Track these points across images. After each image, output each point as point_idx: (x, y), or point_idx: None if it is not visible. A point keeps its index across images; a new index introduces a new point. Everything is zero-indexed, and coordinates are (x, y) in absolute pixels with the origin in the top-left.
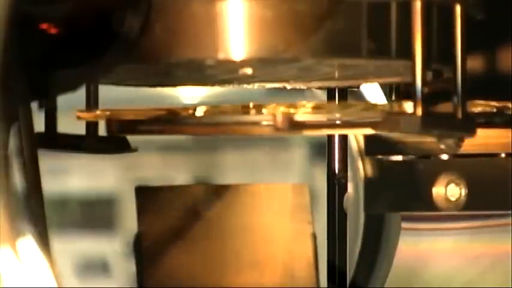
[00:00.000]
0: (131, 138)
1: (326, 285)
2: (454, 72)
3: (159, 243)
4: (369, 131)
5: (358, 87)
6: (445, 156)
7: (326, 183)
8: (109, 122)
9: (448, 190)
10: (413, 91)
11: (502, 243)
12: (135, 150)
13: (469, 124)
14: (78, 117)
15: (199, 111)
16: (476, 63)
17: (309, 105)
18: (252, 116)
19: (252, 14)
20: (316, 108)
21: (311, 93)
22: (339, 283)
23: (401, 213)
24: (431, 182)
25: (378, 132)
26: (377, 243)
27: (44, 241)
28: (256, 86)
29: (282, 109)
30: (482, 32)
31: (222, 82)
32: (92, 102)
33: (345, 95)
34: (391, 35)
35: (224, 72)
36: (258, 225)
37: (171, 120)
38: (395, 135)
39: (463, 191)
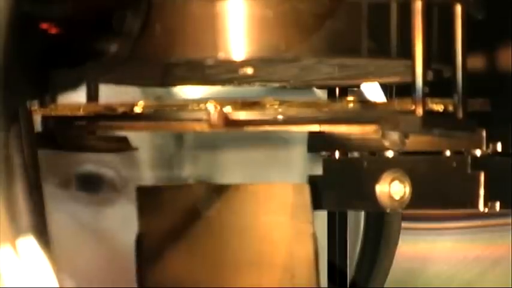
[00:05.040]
0: (131, 137)
1: (326, 285)
2: (455, 72)
3: (159, 243)
4: (315, 128)
5: (358, 86)
6: (390, 154)
7: None
8: (45, 118)
9: (392, 188)
10: (414, 90)
11: (502, 243)
12: (135, 149)
13: (470, 123)
14: None
15: (137, 108)
16: (476, 63)
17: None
18: (190, 113)
19: (253, 13)
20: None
21: (311, 93)
22: (339, 283)
23: (402, 213)
24: (375, 180)
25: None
26: (377, 243)
27: (44, 240)
28: (256, 85)
29: (211, 105)
30: (482, 32)
31: (222, 82)
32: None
33: (345, 94)
34: (391, 35)
35: (225, 72)
36: (258, 225)
37: (109, 116)
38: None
39: (407, 189)
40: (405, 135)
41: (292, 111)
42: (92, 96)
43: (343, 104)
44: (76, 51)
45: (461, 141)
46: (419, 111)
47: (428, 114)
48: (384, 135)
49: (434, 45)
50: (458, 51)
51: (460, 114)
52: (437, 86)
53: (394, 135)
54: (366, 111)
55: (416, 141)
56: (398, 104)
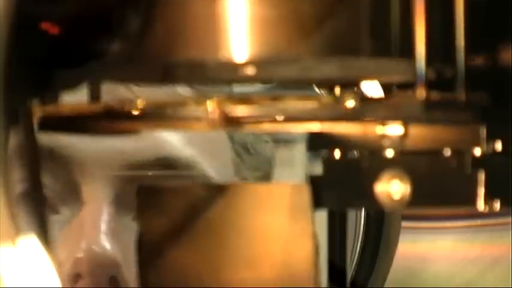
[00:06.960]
0: None
1: (326, 285)
2: (456, 60)
3: (159, 243)
4: (316, 126)
5: (359, 85)
6: (389, 153)
7: None
8: (45, 118)
9: (392, 188)
10: (416, 74)
11: (502, 243)
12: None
13: (473, 111)
14: None
15: (136, 107)
16: (476, 62)
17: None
18: (190, 112)
19: (254, 13)
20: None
21: (312, 92)
22: (339, 283)
23: (401, 212)
24: (375, 179)
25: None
26: (377, 243)
27: (45, 240)
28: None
29: (211, 104)
30: (482, 31)
31: (223, 82)
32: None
33: (345, 94)
34: (393, 32)
35: (225, 72)
36: (258, 225)
37: (109, 116)
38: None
39: (408, 189)
40: (406, 126)
41: (293, 111)
42: (93, 96)
43: (343, 103)
44: (77, 51)
45: (462, 135)
46: (422, 93)
47: (430, 99)
48: (384, 131)
49: (436, 34)
50: (459, 37)
51: (462, 102)
52: (438, 87)
53: (394, 135)
54: (366, 109)
55: (417, 139)
56: (399, 96)
